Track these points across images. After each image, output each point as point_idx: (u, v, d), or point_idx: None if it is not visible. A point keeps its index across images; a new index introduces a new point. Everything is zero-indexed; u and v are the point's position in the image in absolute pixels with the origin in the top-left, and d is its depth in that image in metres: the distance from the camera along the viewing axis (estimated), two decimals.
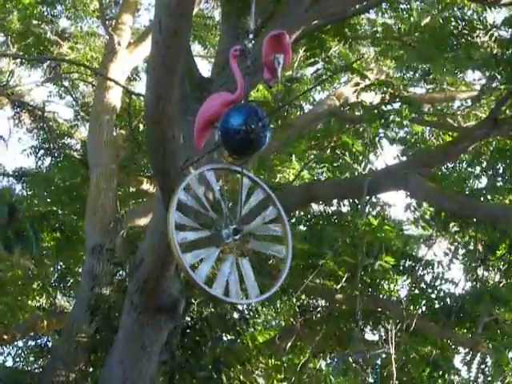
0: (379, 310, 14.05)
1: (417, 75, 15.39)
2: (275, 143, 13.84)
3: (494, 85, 12.42)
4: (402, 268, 14.29)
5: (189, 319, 10.79)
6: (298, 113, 16.08)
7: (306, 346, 15.10)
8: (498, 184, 13.86)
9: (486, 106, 15.79)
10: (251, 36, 5.24)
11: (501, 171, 13.89)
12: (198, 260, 4.76)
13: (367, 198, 12.06)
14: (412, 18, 13.89)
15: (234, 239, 4.82)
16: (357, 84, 13.10)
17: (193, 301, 10.62)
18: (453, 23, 12.84)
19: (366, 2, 10.45)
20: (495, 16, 12.72)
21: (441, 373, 13.75)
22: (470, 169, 15.08)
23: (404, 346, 13.42)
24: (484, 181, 14.53)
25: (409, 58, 13.86)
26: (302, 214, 14.96)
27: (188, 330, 10.59)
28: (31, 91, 20.08)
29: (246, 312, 11.82)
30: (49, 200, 16.49)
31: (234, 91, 5.09)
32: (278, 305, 15.34)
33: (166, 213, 4.69)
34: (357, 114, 14.84)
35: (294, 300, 14.65)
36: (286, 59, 4.96)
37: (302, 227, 15.29)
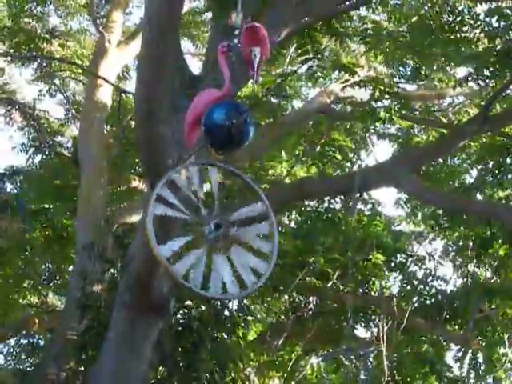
0: (370, 307, 14.06)
1: (407, 71, 15.37)
2: (266, 142, 13.83)
3: (482, 83, 12.44)
4: (393, 264, 14.31)
5: (181, 318, 10.78)
6: (289, 107, 16.07)
7: (297, 344, 15.10)
8: (488, 179, 13.90)
9: (476, 101, 15.80)
10: (237, 32, 5.24)
11: (490, 166, 13.94)
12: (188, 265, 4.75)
13: (358, 194, 12.08)
14: (402, 13, 13.88)
15: (217, 234, 4.81)
16: (346, 80, 13.10)
17: (189, 302, 10.63)
18: (443, 18, 12.86)
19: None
20: (485, 9, 12.61)
21: (435, 371, 13.79)
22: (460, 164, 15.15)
23: (396, 343, 13.44)
24: (474, 175, 14.62)
25: (398, 51, 13.87)
26: (293, 210, 15.00)
27: (183, 330, 10.57)
28: (22, 89, 20.02)
29: (237, 309, 11.82)
30: (39, 198, 16.43)
31: (222, 87, 5.09)
32: (268, 302, 15.32)
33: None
34: (347, 110, 14.86)
35: (285, 297, 14.66)
36: (263, 52, 4.94)
37: (292, 224, 15.32)
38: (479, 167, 14.49)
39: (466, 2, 13.01)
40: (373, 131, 15.38)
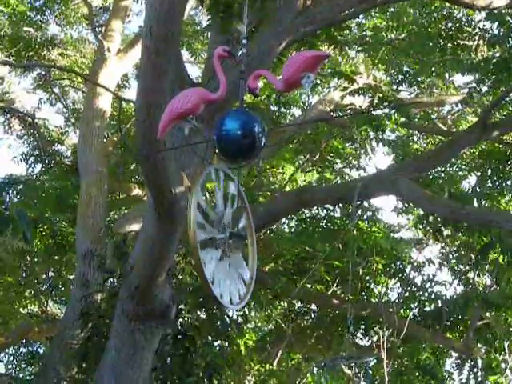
0: (370, 314, 14.04)
1: (406, 78, 15.39)
2: (266, 150, 13.81)
3: (483, 89, 12.47)
4: (392, 271, 14.32)
5: (179, 325, 10.76)
6: (289, 117, 16.09)
7: (297, 351, 15.10)
8: (488, 186, 13.91)
9: (476, 108, 15.81)
10: (244, 41, 5.21)
11: (489, 173, 13.96)
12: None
13: (358, 202, 12.06)
14: (401, 20, 13.91)
15: (229, 243, 4.80)
16: (345, 88, 13.12)
17: (182, 307, 10.60)
18: (441, 26, 12.90)
19: (356, 7, 10.43)
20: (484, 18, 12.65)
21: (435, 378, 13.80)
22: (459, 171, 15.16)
23: (396, 351, 13.43)
24: (473, 181, 14.62)
25: (397, 58, 13.90)
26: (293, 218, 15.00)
27: (179, 337, 10.55)
28: (21, 98, 20.03)
29: (236, 317, 11.80)
30: (39, 206, 16.41)
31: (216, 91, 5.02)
32: (268, 310, 15.33)
33: (186, 222, 4.60)
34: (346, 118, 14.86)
35: (285, 305, 14.67)
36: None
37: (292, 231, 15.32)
38: (478, 174, 14.51)
39: (465, 11, 13.05)
40: (372, 138, 15.40)
